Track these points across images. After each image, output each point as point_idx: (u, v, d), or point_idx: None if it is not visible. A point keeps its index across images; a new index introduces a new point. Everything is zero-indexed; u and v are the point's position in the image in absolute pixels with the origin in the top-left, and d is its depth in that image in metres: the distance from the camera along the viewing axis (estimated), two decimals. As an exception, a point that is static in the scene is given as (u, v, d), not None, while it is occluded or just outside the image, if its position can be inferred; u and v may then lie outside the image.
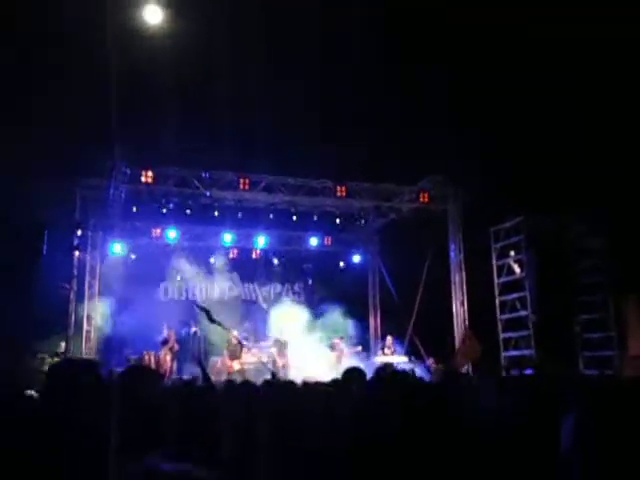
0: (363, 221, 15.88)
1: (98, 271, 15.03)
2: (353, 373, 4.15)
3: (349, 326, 15.93)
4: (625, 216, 12.07)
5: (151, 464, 1.11)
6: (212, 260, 16.70)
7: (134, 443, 1.85)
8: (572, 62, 11.63)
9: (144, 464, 1.11)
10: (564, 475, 1.06)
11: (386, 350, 15.02)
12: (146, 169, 13.33)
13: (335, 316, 16.00)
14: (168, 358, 13.49)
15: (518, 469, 2.29)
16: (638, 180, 11.27)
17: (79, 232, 13.47)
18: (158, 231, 16.09)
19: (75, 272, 13.50)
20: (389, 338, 15.33)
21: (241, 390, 3.70)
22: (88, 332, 14.54)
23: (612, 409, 1.08)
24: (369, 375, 3.79)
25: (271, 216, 15.07)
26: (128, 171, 13.17)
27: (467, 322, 14.42)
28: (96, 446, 1.81)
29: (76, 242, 13.32)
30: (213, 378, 7.03)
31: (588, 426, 1.08)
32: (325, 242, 17.60)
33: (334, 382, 4.40)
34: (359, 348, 15.28)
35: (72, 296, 13.50)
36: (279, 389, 4.09)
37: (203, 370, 4.47)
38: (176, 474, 1.08)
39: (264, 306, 16.63)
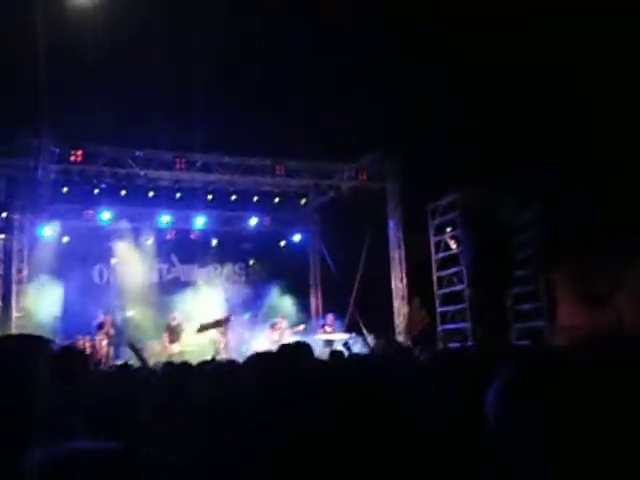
0: (303, 200, 15.84)
1: (26, 255, 14.37)
2: (302, 348, 4.12)
3: (290, 305, 15.96)
4: (556, 193, 12.51)
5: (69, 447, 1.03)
6: (149, 242, 16.29)
7: (55, 429, 1.75)
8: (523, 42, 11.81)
9: (62, 447, 1.03)
10: (491, 451, 1.04)
11: (327, 328, 15.13)
12: (75, 148, 12.79)
13: (276, 295, 16.00)
14: (104, 343, 13.11)
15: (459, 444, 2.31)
16: (569, 159, 11.69)
17: (4, 215, 12.82)
18: (91, 213, 15.53)
19: (1, 256, 12.87)
20: (330, 316, 15.45)
21: (173, 372, 3.60)
22: (17, 318, 13.93)
23: (536, 377, 1.07)
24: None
25: (209, 196, 14.80)
26: (57, 150, 12.61)
27: (406, 298, 14.71)
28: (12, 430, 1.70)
29: (1, 225, 12.67)
30: (152, 361, 6.88)
31: (511, 396, 1.06)
32: (265, 222, 17.48)
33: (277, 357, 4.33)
34: (301, 327, 15.32)
35: (-1, 282, 12.90)
36: (217, 369, 4.01)
37: (137, 353, 4.35)
38: (94, 451, 1.01)
39: (204, 287, 16.38)
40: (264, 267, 17.15)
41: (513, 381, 1.06)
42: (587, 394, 0.98)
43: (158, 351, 13.04)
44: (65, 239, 15.29)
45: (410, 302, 14.26)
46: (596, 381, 1.00)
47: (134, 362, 6.29)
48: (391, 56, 12.81)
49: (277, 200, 15.24)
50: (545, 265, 13.51)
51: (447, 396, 2.97)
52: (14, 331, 13.65)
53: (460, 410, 2.71)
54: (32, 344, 2.19)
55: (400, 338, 14.49)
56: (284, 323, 15.16)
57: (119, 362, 7.62)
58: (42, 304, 13.67)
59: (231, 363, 3.82)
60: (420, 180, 14.34)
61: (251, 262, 17.52)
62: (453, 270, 14.19)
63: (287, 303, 15.96)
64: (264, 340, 13.98)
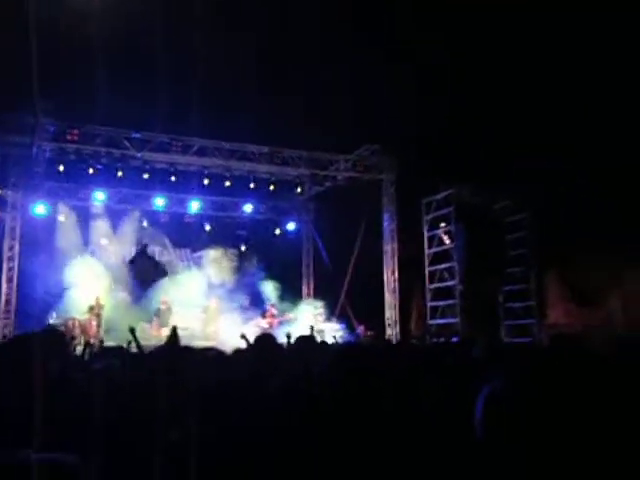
0: (299, 189, 15.81)
1: (18, 232, 14.29)
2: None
3: (282, 293, 15.97)
4: (547, 193, 12.56)
5: (21, 457, 1.03)
6: (144, 224, 16.23)
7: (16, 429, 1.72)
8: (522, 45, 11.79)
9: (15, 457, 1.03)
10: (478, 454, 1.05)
11: (318, 318, 15.17)
12: (72, 127, 12.69)
13: (267, 283, 16.00)
14: (94, 324, 13.08)
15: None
16: (562, 160, 11.72)
17: (-2, 191, 12.74)
18: (85, 192, 15.45)
19: (-7, 233, 12.80)
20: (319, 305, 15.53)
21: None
22: (8, 295, 13.89)
23: (530, 378, 1.08)
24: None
25: (205, 181, 14.73)
26: (52, 128, 12.50)
27: (397, 291, 14.78)
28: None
29: (-6, 201, 12.59)
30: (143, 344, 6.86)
31: (503, 396, 1.07)
32: (260, 209, 17.45)
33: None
34: (291, 315, 15.36)
35: (-10, 258, 12.83)
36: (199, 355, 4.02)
37: (135, 338, 4.33)
38: (45, 465, 1.00)
39: (195, 271, 16.36)
40: (257, 254, 17.13)
41: (500, 392, 1.07)
42: (576, 407, 0.99)
43: (148, 335, 13.03)
44: (61, 218, 15.21)
45: (415, 296, 14.40)
46: (587, 393, 1.01)
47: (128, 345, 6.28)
48: (391, 50, 12.76)
49: (272, 188, 15.19)
50: (537, 264, 13.59)
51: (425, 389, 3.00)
52: (3, 307, 13.63)
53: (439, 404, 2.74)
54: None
55: (390, 330, 14.58)
56: (274, 310, 15.20)
57: (110, 344, 7.59)
58: (33, 283, 13.63)
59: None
60: (416, 174, 14.35)
61: (243, 248, 17.48)
62: (445, 265, 14.24)
63: (278, 291, 15.97)
64: (254, 327, 14.01)
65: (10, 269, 14.03)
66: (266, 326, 14.45)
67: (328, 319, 15.34)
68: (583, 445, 1.00)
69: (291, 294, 16.34)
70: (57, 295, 13.64)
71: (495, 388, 1.08)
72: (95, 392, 2.54)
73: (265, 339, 3.84)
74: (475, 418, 1.09)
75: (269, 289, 15.96)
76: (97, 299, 13.39)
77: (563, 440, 1.00)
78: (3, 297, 13.80)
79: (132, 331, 4.61)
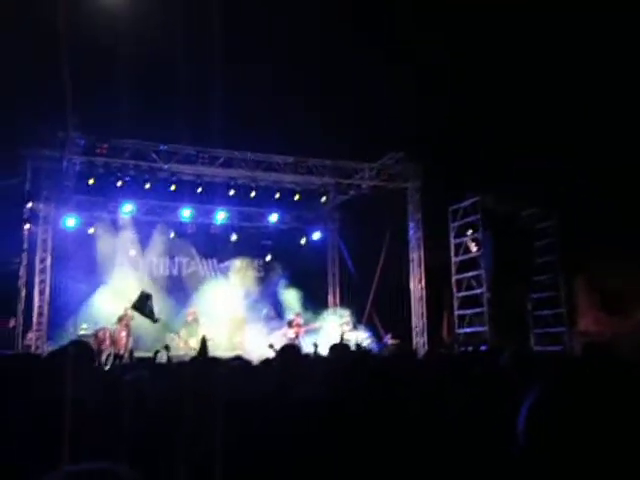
0: (323, 198, 15.84)
1: (50, 244, 14.60)
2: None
3: (307, 303, 15.98)
4: (575, 199, 12.38)
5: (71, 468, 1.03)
6: (171, 235, 16.43)
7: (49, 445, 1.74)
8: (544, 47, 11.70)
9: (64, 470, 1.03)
10: (520, 465, 1.04)
11: (344, 327, 15.13)
12: (101, 141, 12.95)
13: (294, 293, 16.02)
14: (123, 334, 13.26)
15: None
16: (589, 167, 11.56)
17: (30, 205, 13.02)
18: (114, 205, 15.71)
19: (25, 245, 13.08)
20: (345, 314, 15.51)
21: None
22: (40, 308, 14.17)
23: (570, 386, 1.06)
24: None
25: (231, 192, 14.87)
26: (82, 142, 12.77)
27: (424, 299, 14.67)
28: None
29: (26, 215, 12.87)
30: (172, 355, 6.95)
31: (549, 407, 1.06)
32: (285, 219, 17.53)
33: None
34: (317, 324, 15.35)
35: (22, 271, 13.11)
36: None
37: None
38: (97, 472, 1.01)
39: (222, 282, 16.47)
40: (282, 264, 17.18)
41: (543, 401, 1.06)
42: (618, 414, 0.98)
43: (176, 345, 13.16)
44: (91, 230, 15.50)
45: (446, 304, 14.33)
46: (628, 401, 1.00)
47: (155, 355, 6.36)
48: (417, 58, 12.75)
49: (297, 197, 15.24)
50: (566, 271, 13.38)
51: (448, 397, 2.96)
52: (36, 319, 13.91)
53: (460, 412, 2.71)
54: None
55: (417, 338, 14.47)
56: (300, 320, 15.20)
57: (140, 354, 7.69)
58: (64, 294, 13.89)
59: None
60: (442, 181, 14.26)
61: (268, 258, 17.55)
62: (472, 273, 14.09)
63: (304, 300, 15.98)
64: (281, 337, 14.03)
65: (42, 281, 14.32)
66: (293, 336, 14.46)
67: (355, 327, 15.28)
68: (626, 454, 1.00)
69: (316, 303, 16.33)
70: (87, 306, 13.86)
71: (539, 397, 1.07)
72: (124, 403, 2.58)
73: (289, 350, 3.87)
74: (518, 428, 1.08)
75: (294, 298, 15.97)
76: (126, 310, 13.57)
77: (608, 448, 1.00)
78: (36, 309, 14.07)
79: (167, 348, 4.77)
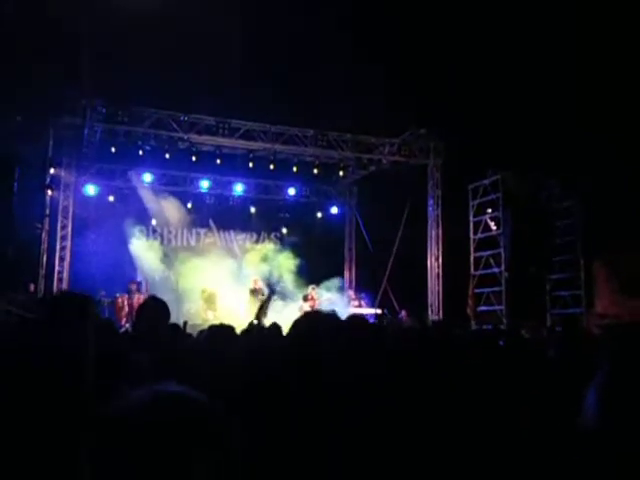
0: (342, 172, 15.76)
1: (71, 211, 14.73)
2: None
3: (323, 277, 16.00)
4: (597, 179, 12.21)
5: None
6: (189, 206, 16.48)
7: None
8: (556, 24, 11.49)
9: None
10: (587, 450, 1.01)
11: (354, 302, 15.17)
12: (122, 109, 12.95)
13: (310, 267, 16.04)
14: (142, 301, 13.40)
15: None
16: (612, 145, 11.37)
17: (52, 170, 13.11)
18: (134, 174, 15.76)
19: (47, 212, 13.21)
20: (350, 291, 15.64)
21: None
22: (60, 273, 14.37)
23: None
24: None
25: (250, 164, 14.83)
26: (104, 110, 12.78)
27: (441, 277, 14.65)
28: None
29: (48, 181, 12.97)
30: (189, 324, 7.03)
31: (626, 386, 1.03)
32: (303, 192, 17.50)
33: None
34: (331, 298, 15.37)
35: (44, 236, 13.26)
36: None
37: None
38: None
39: (239, 254, 16.55)
40: (300, 237, 17.17)
41: (613, 380, 1.03)
42: None
43: (196, 315, 13.27)
44: (111, 198, 15.59)
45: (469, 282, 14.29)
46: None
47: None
48: (437, 34, 12.55)
49: (316, 171, 15.17)
50: (586, 252, 13.26)
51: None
52: (56, 284, 14.10)
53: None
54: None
55: (433, 316, 14.49)
56: (315, 294, 15.23)
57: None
58: (84, 260, 14.05)
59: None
60: (462, 159, 14.12)
61: (285, 231, 17.55)
62: (491, 252, 14.02)
63: (320, 275, 16.00)
64: (298, 311, 14.09)
65: (63, 248, 14.50)
66: (308, 309, 14.52)
67: (370, 305, 15.32)
68: None
69: (333, 277, 16.33)
70: (107, 273, 14.00)
71: (611, 378, 1.04)
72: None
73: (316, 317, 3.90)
74: (587, 409, 1.06)
75: (311, 272, 15.99)
76: (145, 278, 13.70)
77: None
78: (56, 275, 14.27)
79: (185, 323, 5.17)
